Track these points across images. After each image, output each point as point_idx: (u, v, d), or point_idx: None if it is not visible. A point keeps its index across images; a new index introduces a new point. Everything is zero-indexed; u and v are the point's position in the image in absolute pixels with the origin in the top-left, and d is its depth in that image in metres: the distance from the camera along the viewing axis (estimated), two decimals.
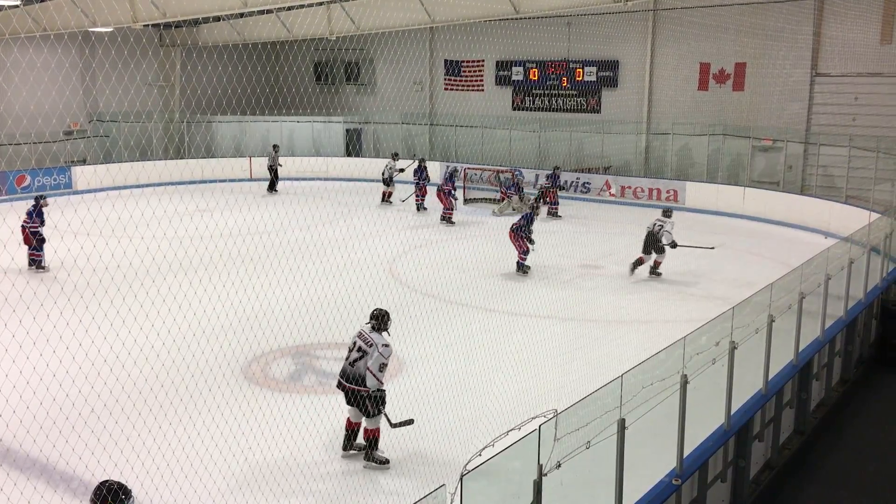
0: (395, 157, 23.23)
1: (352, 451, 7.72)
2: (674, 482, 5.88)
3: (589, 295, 13.57)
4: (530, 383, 9.40)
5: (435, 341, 10.77)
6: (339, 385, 7.62)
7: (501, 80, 28.07)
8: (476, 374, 9.71)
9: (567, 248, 16.48)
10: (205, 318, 10.27)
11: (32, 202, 15.02)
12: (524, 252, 14.91)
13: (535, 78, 27.31)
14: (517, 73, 27.69)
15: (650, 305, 12.91)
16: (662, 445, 6.20)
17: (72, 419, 7.71)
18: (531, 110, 27.62)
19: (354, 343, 7.56)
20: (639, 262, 14.77)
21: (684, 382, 5.94)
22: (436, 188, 20.62)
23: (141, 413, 8.12)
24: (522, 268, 15.00)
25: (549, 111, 27.27)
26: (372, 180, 25.42)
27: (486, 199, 23.16)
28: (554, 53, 26.13)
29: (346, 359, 7.57)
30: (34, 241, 14.46)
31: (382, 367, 7.35)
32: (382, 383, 7.40)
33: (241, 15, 23.67)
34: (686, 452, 6.12)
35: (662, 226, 14.65)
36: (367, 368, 7.33)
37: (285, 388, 9.36)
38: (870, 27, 20.95)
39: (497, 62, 27.85)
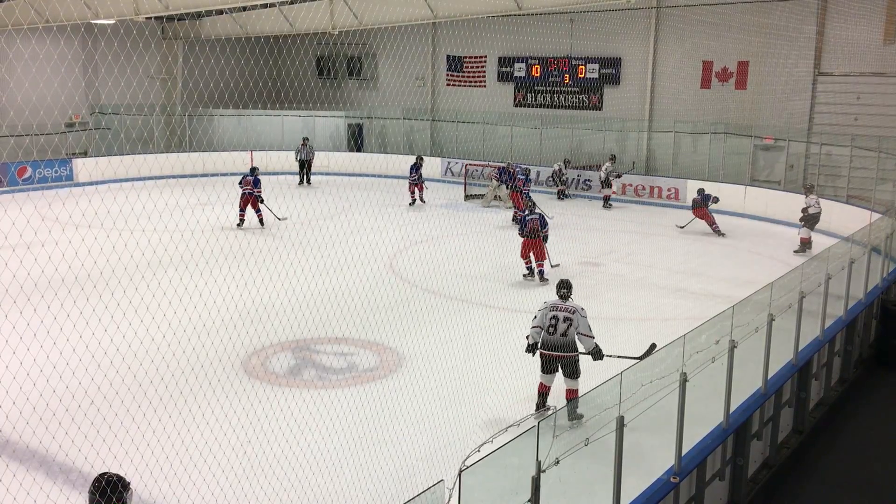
0: (612, 159, 23.00)
1: (541, 411, 7.98)
2: (672, 480, 5.89)
3: (588, 292, 13.53)
4: (530, 380, 9.40)
5: (435, 337, 10.78)
6: (549, 357, 8.14)
7: (503, 77, 28.04)
8: (476, 371, 9.72)
9: (567, 246, 16.45)
10: (205, 312, 10.28)
11: (250, 174, 18.28)
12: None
13: (538, 74, 27.28)
14: (519, 70, 27.67)
15: (650, 303, 12.91)
16: (661, 443, 6.21)
17: (71, 411, 7.73)
18: (533, 107, 27.60)
19: (555, 317, 8.12)
20: None
21: (683, 380, 5.95)
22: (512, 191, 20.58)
23: (140, 406, 8.13)
24: (542, 275, 14.08)
25: (551, 108, 27.24)
26: (374, 175, 25.39)
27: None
28: (556, 50, 26.10)
29: (552, 333, 8.09)
30: (258, 203, 18.16)
31: (590, 327, 8.14)
32: (594, 337, 8.16)
33: (244, 8, 23.64)
34: (685, 450, 6.12)
35: None
36: (581, 333, 8.09)
37: (285, 383, 9.38)
38: (873, 27, 20.91)
39: (499, 58, 27.82)
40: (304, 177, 25.49)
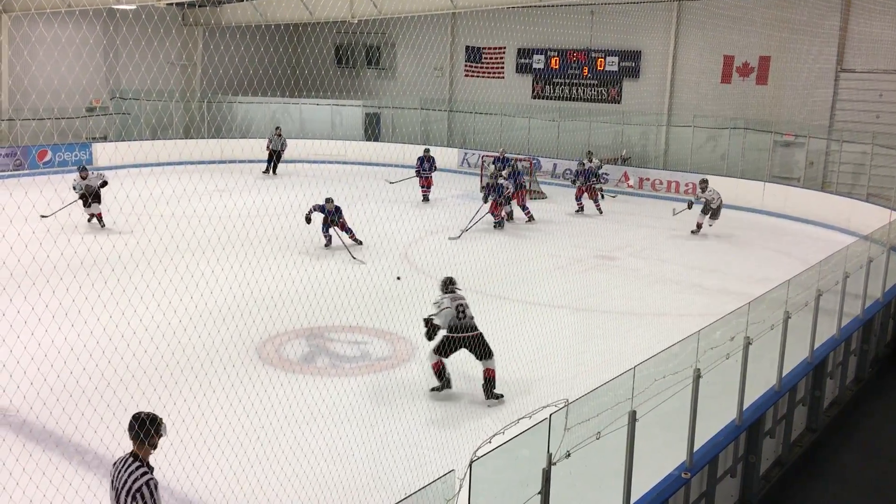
0: (704, 182, 18.50)
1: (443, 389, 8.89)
2: (683, 476, 5.89)
3: (603, 286, 13.54)
4: (542, 372, 9.42)
5: None
6: (458, 339, 8.79)
7: (522, 68, 27.93)
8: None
9: (583, 239, 16.43)
10: (220, 297, 10.36)
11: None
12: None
13: (556, 66, 27.16)
14: (538, 62, 27.55)
15: (665, 298, 12.87)
16: (673, 439, 6.19)
17: (88, 392, 7.81)
18: (551, 99, 27.49)
19: (461, 304, 8.98)
20: None
21: (697, 376, 5.93)
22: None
23: (156, 389, 8.20)
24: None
25: (570, 100, 27.12)
26: (391, 165, 25.35)
27: None
28: (576, 42, 25.98)
29: (462, 318, 8.88)
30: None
31: None
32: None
33: None
34: (696, 446, 6.11)
35: None
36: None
37: (298, 370, 9.43)
38: None
39: (518, 50, 27.71)
40: (272, 166, 24.71)
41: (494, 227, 17.72)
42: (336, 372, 9.40)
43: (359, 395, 8.72)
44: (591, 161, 21.01)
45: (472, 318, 9.00)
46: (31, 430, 7.61)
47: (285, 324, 10.60)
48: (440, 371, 8.90)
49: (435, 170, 21.14)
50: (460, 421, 8.07)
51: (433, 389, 8.85)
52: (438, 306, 8.99)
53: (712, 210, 17.63)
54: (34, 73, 23.14)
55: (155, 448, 4.78)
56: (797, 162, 22.39)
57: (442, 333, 8.87)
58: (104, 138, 26.14)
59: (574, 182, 20.63)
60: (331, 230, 15.27)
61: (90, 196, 15.81)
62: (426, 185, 21.06)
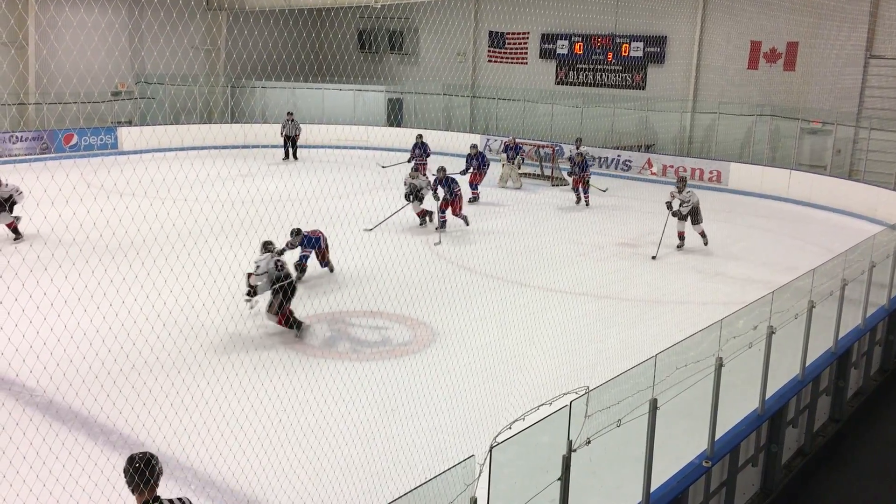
0: (681, 182, 15.73)
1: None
2: (704, 464, 5.87)
3: (625, 274, 13.48)
4: (563, 359, 9.41)
5: (469, 314, 10.82)
6: (288, 285, 9.92)
7: (546, 54, 27.74)
8: (509, 348, 9.75)
9: (605, 226, 16.35)
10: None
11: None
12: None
13: (580, 52, 26.94)
14: (562, 47, 27.35)
15: (687, 286, 12.79)
16: (694, 427, 6.17)
17: (113, 374, 7.92)
18: (575, 85, 27.29)
19: (277, 261, 9.93)
20: None
21: (719, 365, 5.90)
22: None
23: (180, 371, 8.30)
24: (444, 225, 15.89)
25: (593, 86, 26.91)
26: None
27: (531, 174, 22.98)
28: (600, 27, 25.74)
29: (280, 269, 9.88)
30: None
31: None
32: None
33: None
34: (718, 435, 6.09)
35: None
36: None
37: (320, 354, 9.50)
38: None
39: (542, 35, 27.51)
40: (290, 152, 24.80)
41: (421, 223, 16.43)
42: (357, 357, 9.46)
43: (379, 379, 8.77)
44: (577, 149, 20.58)
45: (285, 266, 10.03)
46: (57, 411, 7.73)
47: (307, 308, 10.67)
48: (288, 319, 9.83)
49: (429, 155, 20.76)
50: (480, 407, 8.09)
51: (298, 336, 9.82)
52: (258, 266, 9.90)
53: (688, 214, 15.12)
54: (60, 58, 23.35)
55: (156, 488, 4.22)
56: (824, 149, 22.08)
57: (268, 293, 9.92)
58: (129, 122, 26.35)
59: (570, 175, 20.34)
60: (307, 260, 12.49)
61: (6, 204, 13.79)
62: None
